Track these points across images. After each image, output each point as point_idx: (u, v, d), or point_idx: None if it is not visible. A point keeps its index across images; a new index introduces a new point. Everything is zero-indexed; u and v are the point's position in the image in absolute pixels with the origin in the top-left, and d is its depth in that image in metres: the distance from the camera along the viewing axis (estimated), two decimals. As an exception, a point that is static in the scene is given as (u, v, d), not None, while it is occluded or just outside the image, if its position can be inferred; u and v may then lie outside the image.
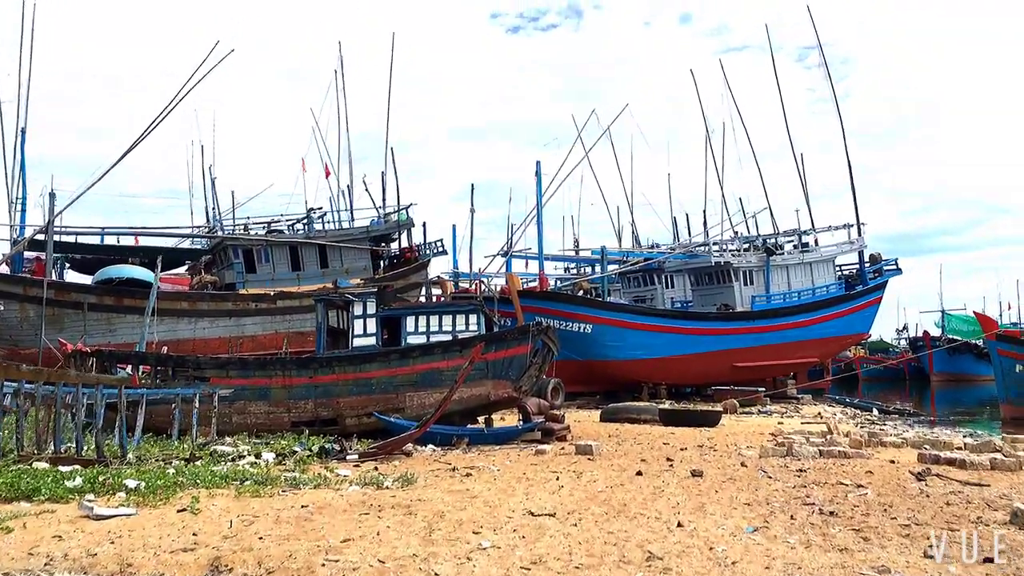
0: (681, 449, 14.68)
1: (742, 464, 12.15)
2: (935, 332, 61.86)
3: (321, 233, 33.29)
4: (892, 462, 12.46)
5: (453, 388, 14.24)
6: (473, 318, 17.63)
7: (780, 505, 8.92)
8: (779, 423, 22.69)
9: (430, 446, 15.37)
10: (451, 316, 17.71)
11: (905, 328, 71.24)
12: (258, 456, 13.18)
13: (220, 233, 31.97)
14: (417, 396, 16.60)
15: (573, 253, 40.50)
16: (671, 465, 12.26)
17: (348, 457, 13.36)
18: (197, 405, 15.13)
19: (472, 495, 9.73)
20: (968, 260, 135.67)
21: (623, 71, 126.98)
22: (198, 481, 10.66)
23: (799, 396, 32.28)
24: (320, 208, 35.42)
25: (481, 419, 17.89)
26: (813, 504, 8.89)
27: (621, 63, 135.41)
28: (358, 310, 17.60)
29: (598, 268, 36.94)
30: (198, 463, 12.39)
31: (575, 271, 42.21)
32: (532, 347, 17.01)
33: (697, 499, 9.37)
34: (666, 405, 24.96)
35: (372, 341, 17.53)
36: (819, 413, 26.61)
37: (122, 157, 27.21)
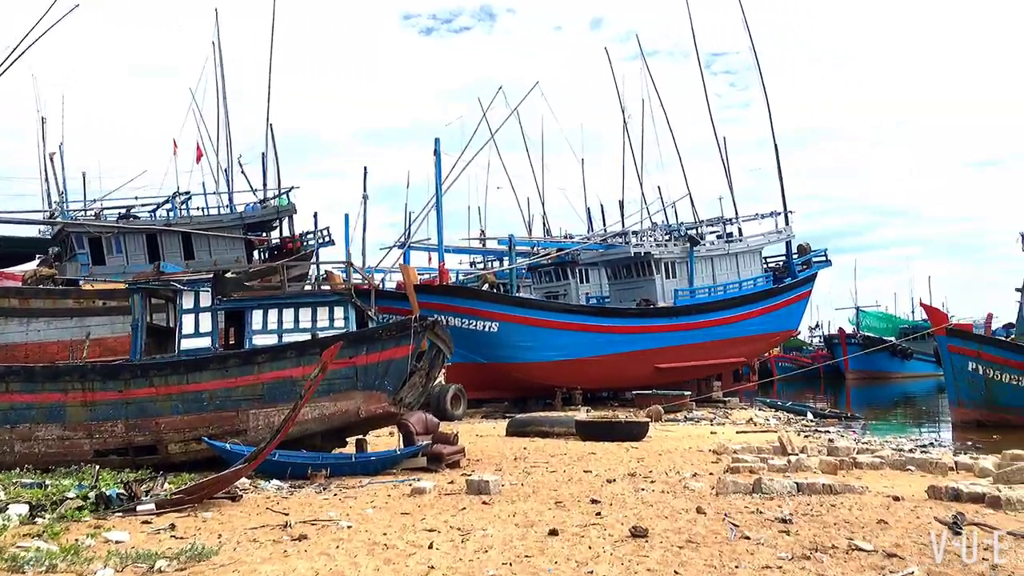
0: (608, 481, 11.11)
1: (698, 510, 8.58)
2: (850, 329, 61.02)
3: (186, 220, 28.72)
4: (897, 499, 9.13)
5: (298, 404, 10.35)
6: (340, 311, 13.61)
7: (786, 603, 5.40)
8: (712, 432, 19.66)
9: (275, 481, 11.46)
10: (311, 309, 13.61)
11: (818, 325, 70.34)
12: (3, 509, 9.05)
13: (60, 219, 27.05)
14: (263, 414, 12.63)
15: (479, 244, 36.76)
16: (599, 513, 8.63)
17: (140, 508, 9.31)
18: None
19: (283, 590, 5.92)
20: (868, 260, 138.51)
21: (536, 71, 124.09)
22: None
23: (726, 399, 29.41)
24: (187, 192, 30.75)
25: (352, 440, 13.95)
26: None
27: (533, 63, 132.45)
28: (188, 302, 13.41)
29: (506, 261, 33.32)
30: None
31: (481, 264, 38.51)
32: (415, 348, 13.13)
33: (648, 589, 5.77)
34: (583, 414, 21.50)
35: (207, 342, 13.41)
36: (751, 419, 23.77)
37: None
